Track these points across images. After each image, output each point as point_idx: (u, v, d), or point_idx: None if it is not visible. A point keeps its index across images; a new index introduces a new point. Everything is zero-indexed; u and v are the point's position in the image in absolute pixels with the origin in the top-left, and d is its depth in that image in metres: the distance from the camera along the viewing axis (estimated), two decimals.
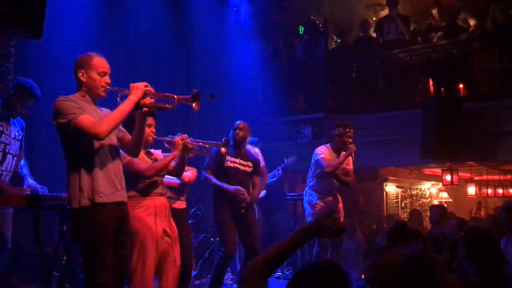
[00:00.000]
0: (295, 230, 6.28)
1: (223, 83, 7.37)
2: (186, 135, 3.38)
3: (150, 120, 3.29)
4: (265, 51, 8.26)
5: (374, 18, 9.21)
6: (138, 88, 2.63)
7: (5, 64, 4.37)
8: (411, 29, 7.94)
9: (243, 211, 4.30)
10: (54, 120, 2.58)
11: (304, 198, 4.93)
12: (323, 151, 4.75)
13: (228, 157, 4.34)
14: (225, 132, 4.51)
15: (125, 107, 2.59)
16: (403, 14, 7.74)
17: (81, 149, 2.58)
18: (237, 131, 4.43)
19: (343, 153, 4.71)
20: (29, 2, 1.37)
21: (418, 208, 9.26)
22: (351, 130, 4.77)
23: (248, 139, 4.62)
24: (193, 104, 2.79)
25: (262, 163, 5.13)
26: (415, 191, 9.87)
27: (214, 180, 4.33)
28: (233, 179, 4.34)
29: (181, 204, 4.18)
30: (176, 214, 3.71)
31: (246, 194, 4.32)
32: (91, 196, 2.54)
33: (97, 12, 5.61)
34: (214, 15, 7.33)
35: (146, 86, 2.66)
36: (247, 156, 4.52)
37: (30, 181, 3.57)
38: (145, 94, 2.64)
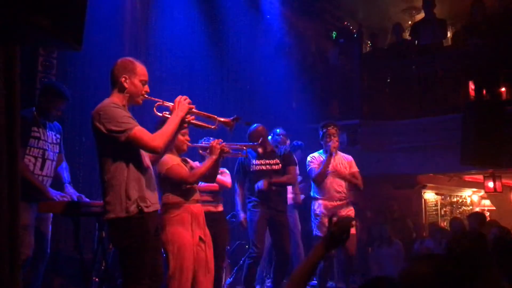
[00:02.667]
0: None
1: (256, 90, 7.39)
2: (221, 140, 3.38)
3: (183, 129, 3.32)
4: (298, 58, 8.23)
5: (410, 22, 9.04)
6: (184, 105, 2.67)
7: (48, 76, 4.54)
8: (449, 31, 7.75)
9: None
10: (100, 124, 2.51)
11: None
12: (312, 161, 4.60)
13: (253, 161, 4.37)
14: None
15: (174, 122, 2.63)
16: (439, 17, 7.56)
17: (127, 158, 2.57)
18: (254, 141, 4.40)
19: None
20: (71, 14, 1.42)
21: (459, 216, 8.96)
22: (330, 128, 4.58)
23: (266, 137, 4.56)
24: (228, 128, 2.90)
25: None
26: (455, 199, 9.57)
27: (237, 199, 4.54)
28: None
29: (218, 207, 4.24)
30: (214, 217, 3.74)
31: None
32: (139, 204, 2.54)
33: (133, 25, 5.75)
34: (247, 23, 7.38)
35: (189, 103, 2.70)
36: (273, 154, 4.49)
37: (70, 189, 3.62)
38: (188, 111, 2.69)
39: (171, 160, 3.26)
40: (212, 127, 2.86)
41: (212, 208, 4.10)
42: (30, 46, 3.96)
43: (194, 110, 2.74)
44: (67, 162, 3.87)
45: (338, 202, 4.55)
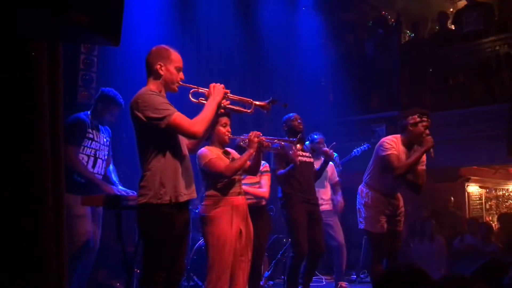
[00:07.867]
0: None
1: (292, 82, 7.34)
2: (259, 133, 3.29)
3: (225, 120, 3.28)
4: (336, 50, 8.11)
5: (452, 10, 8.72)
6: (219, 89, 2.68)
7: (89, 73, 4.68)
8: (495, 17, 7.40)
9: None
10: (139, 112, 2.51)
11: (358, 198, 4.07)
12: (391, 145, 3.83)
13: (291, 152, 4.26)
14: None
15: (211, 107, 2.64)
16: (485, 2, 7.24)
17: (165, 146, 2.58)
18: (299, 121, 4.30)
19: (416, 148, 3.78)
20: (108, 11, 1.44)
21: (505, 210, 8.61)
22: (429, 120, 3.87)
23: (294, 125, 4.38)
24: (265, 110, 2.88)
25: None
26: (501, 192, 9.20)
27: (283, 171, 4.14)
28: (302, 174, 4.22)
29: (261, 202, 4.16)
30: (255, 210, 3.71)
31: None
32: (173, 194, 2.54)
33: (170, 18, 5.82)
34: (283, 15, 7.33)
35: (224, 88, 2.71)
36: (304, 147, 4.41)
37: (120, 187, 3.83)
38: (224, 96, 2.70)
39: (210, 153, 3.25)
40: (249, 111, 2.85)
41: (254, 202, 4.04)
42: (70, 43, 4.08)
43: (229, 95, 2.75)
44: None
45: (392, 199, 3.96)
